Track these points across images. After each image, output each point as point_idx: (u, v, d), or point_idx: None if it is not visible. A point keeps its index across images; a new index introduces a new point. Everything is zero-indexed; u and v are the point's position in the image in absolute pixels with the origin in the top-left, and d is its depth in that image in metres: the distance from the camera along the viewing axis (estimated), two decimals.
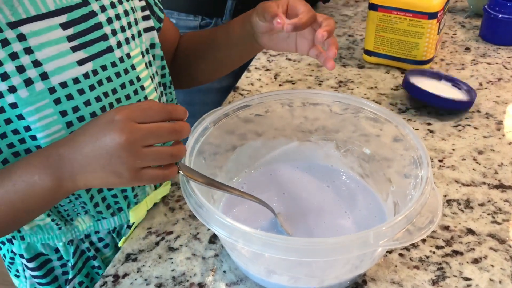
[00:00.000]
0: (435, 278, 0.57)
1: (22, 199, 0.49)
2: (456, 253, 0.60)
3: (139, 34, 0.62)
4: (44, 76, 0.51)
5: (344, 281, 0.56)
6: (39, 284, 0.67)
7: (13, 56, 0.49)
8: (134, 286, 0.58)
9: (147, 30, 0.64)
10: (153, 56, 0.66)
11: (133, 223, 0.64)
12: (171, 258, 0.61)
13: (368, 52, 0.98)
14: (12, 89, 0.50)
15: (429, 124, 0.82)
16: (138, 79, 0.60)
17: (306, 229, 0.61)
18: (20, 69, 0.50)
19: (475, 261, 0.59)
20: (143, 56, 0.62)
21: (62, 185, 0.50)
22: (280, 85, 0.94)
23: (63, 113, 0.53)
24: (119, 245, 0.63)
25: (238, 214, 0.62)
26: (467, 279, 0.57)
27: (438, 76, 0.89)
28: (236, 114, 0.65)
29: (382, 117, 0.63)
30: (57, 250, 0.65)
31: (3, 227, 0.52)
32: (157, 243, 0.63)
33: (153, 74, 0.64)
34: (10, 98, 0.50)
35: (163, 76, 0.70)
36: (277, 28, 0.60)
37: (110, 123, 0.48)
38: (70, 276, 0.66)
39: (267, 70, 0.99)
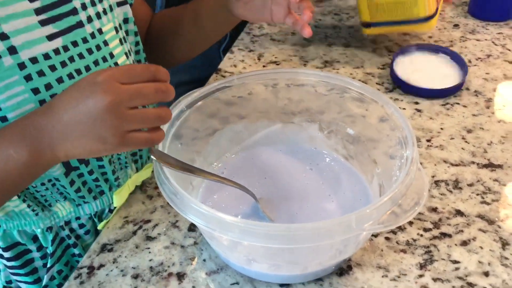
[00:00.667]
0: (423, 262, 0.55)
1: None
2: (444, 235, 0.58)
3: (111, 9, 0.59)
4: (12, 50, 0.48)
5: (328, 266, 0.54)
6: (16, 275, 0.64)
7: None
8: (110, 277, 0.55)
9: (120, 4, 0.62)
10: (126, 31, 0.64)
11: (115, 207, 0.62)
12: (148, 248, 0.58)
13: (366, 25, 0.89)
14: None
15: (416, 103, 0.79)
16: (112, 55, 0.58)
17: (289, 214, 0.58)
18: None
19: (464, 243, 0.57)
20: (116, 31, 0.59)
21: (40, 157, 0.46)
22: (264, 66, 0.91)
23: (35, 91, 0.51)
24: (99, 227, 0.61)
25: (218, 200, 0.60)
26: (455, 262, 0.55)
27: (435, 49, 0.87)
28: (216, 96, 0.62)
29: (368, 96, 0.60)
30: (35, 239, 0.62)
31: None
32: (134, 232, 0.60)
33: (128, 51, 0.62)
34: None
35: (137, 52, 0.67)
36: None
37: (92, 85, 0.44)
38: (48, 265, 0.63)
39: (250, 51, 0.96)
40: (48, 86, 0.51)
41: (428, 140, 0.72)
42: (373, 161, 0.61)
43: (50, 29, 0.51)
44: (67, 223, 0.62)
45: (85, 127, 0.44)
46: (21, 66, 0.49)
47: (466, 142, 0.72)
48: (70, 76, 0.53)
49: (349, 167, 0.64)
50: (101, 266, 0.57)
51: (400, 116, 0.56)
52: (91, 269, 0.56)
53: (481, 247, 0.57)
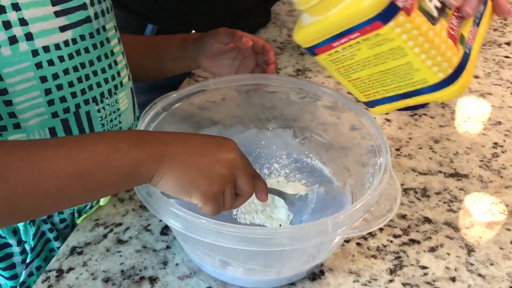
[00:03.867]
0: (393, 267, 0.57)
1: (99, 163, 0.43)
2: (413, 241, 0.60)
3: (111, 8, 0.60)
4: (29, 37, 0.49)
5: (301, 271, 0.54)
6: None
7: (0, 9, 0.47)
8: (80, 281, 0.54)
9: None
10: None
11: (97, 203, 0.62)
12: (119, 251, 0.57)
13: (368, 104, 0.56)
14: None
15: (386, 113, 0.81)
16: (112, 53, 0.59)
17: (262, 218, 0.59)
18: (6, 25, 0.47)
19: (432, 249, 0.59)
20: (115, 30, 0.60)
21: (146, 160, 0.45)
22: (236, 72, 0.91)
23: (43, 79, 0.52)
24: (78, 221, 0.61)
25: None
26: (424, 267, 0.57)
27: None
28: (190, 100, 0.62)
29: (340, 105, 0.61)
30: (15, 232, 0.60)
31: (72, 199, 0.45)
32: (105, 236, 0.59)
33: (123, 51, 0.63)
34: None
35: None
36: (244, 46, 0.65)
37: (226, 144, 0.49)
38: (28, 260, 0.61)
39: None
40: (55, 76, 0.52)
41: (397, 149, 0.74)
42: (346, 168, 0.62)
43: (63, 20, 0.52)
44: (49, 216, 0.61)
45: (201, 160, 0.47)
46: (34, 53, 0.50)
47: (433, 152, 0.74)
48: (75, 68, 0.54)
49: (323, 174, 0.65)
50: (70, 269, 0.55)
51: (373, 124, 0.57)
52: (60, 273, 0.55)
53: (448, 253, 0.58)
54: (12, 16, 0.47)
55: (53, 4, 0.51)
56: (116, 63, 0.59)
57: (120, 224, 0.61)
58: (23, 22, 0.48)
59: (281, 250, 0.49)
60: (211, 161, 0.47)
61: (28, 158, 0.41)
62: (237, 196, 0.50)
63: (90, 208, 0.63)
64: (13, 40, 0.48)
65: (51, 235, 0.62)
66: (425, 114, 0.82)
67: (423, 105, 0.83)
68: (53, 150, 0.42)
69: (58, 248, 0.62)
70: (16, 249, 0.62)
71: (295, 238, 0.45)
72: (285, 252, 0.52)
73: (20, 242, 0.61)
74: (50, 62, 0.51)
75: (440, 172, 0.70)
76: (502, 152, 0.74)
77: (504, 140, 0.76)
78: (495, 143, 0.76)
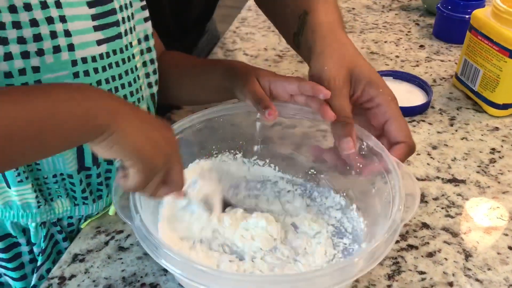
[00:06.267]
0: (391, 273, 0.57)
1: (54, 109, 0.42)
2: (411, 247, 0.60)
3: (134, 27, 0.61)
4: (70, 47, 0.52)
5: None
6: (3, 268, 0.64)
7: (49, 20, 0.50)
8: None
9: (140, 22, 0.62)
10: (148, 48, 0.64)
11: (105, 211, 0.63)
12: (121, 258, 0.58)
13: (503, 106, 0.83)
14: (40, 53, 0.50)
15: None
16: (136, 68, 0.61)
17: None
18: (53, 35, 0.50)
19: (430, 254, 0.59)
20: (139, 46, 0.62)
21: (101, 113, 0.44)
22: None
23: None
24: (82, 226, 0.62)
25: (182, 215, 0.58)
26: (421, 272, 0.57)
27: (400, 77, 0.91)
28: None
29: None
30: (25, 232, 0.62)
31: (19, 148, 0.42)
32: (106, 243, 0.60)
33: (143, 64, 0.63)
34: (35, 61, 0.50)
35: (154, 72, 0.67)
36: (267, 120, 0.56)
37: (171, 129, 0.52)
38: (38, 263, 0.63)
39: None
40: None
41: None
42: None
43: (99, 35, 0.54)
44: (59, 219, 0.63)
45: (152, 132, 0.47)
46: (73, 63, 0.52)
47: (431, 158, 0.75)
48: (107, 81, 0.56)
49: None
50: (72, 276, 0.56)
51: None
52: (62, 280, 0.56)
53: (446, 259, 0.59)
54: (58, 27, 0.50)
55: (93, 19, 0.53)
56: (138, 77, 0.61)
57: (121, 232, 0.61)
58: (67, 33, 0.51)
59: None
60: (160, 136, 0.48)
61: None
62: (164, 184, 0.49)
63: (97, 214, 0.64)
64: (56, 49, 0.51)
65: (60, 236, 0.64)
66: (423, 121, 0.82)
67: (421, 111, 0.84)
68: (6, 94, 0.41)
69: (66, 248, 0.64)
70: (25, 248, 0.63)
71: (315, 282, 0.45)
72: None
73: (29, 242, 0.63)
74: (86, 73, 0.54)
75: (438, 178, 0.71)
76: (500, 157, 0.75)
77: (502, 146, 0.77)
78: (493, 149, 0.76)
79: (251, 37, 1.08)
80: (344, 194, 0.62)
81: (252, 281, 0.47)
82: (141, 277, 0.56)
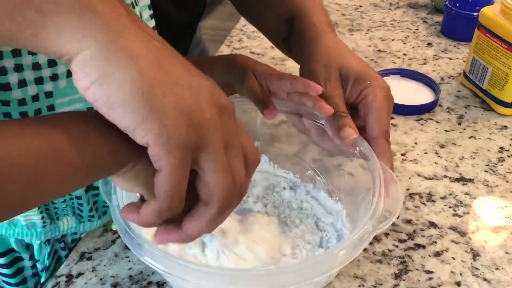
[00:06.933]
0: (398, 272, 0.57)
1: (72, 142, 0.35)
2: (418, 246, 0.60)
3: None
4: None
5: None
6: (6, 283, 0.63)
7: None
8: (89, 286, 0.55)
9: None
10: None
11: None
12: (128, 256, 0.58)
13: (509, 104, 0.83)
14: (54, 77, 0.49)
15: (392, 118, 0.82)
16: None
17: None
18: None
19: (437, 254, 0.59)
20: None
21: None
22: None
23: (89, 110, 0.52)
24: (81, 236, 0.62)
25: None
26: (429, 272, 0.57)
27: (407, 75, 0.90)
28: None
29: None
30: (28, 247, 0.61)
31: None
32: (114, 241, 0.60)
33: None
34: (48, 86, 0.49)
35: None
36: (267, 119, 0.57)
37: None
38: (42, 279, 0.62)
39: None
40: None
41: (403, 154, 0.74)
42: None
43: None
44: (63, 236, 0.62)
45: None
46: None
47: (439, 156, 0.74)
48: None
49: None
50: (79, 274, 0.56)
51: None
52: (70, 278, 0.56)
53: (453, 258, 0.59)
54: None
55: None
56: None
57: None
58: None
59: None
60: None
61: None
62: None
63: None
64: (70, 73, 0.49)
65: (63, 253, 0.63)
66: (431, 119, 0.82)
67: (428, 110, 0.83)
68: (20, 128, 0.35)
69: None
70: (28, 263, 0.62)
71: (302, 274, 0.44)
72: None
73: (32, 257, 0.62)
74: None
75: (446, 176, 0.70)
76: (508, 156, 0.74)
77: (510, 145, 0.76)
78: (501, 148, 0.76)
79: (258, 35, 1.08)
80: (337, 198, 0.62)
81: (235, 275, 0.45)
82: (148, 275, 0.56)
